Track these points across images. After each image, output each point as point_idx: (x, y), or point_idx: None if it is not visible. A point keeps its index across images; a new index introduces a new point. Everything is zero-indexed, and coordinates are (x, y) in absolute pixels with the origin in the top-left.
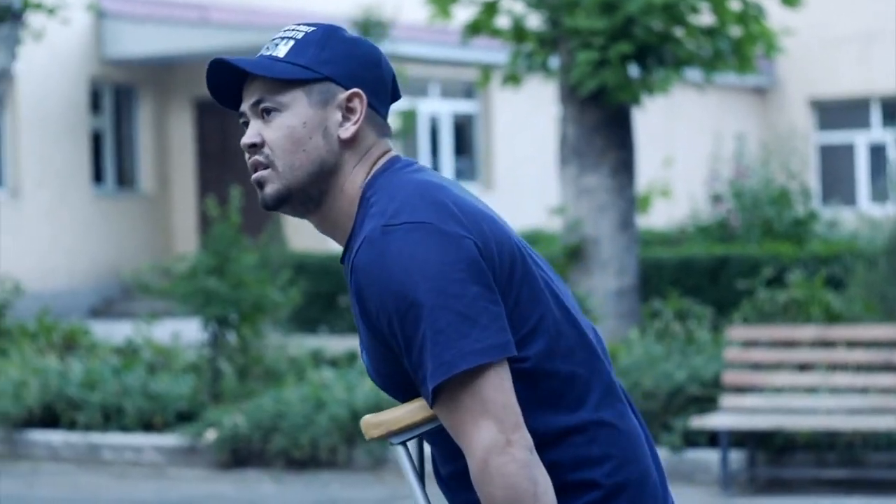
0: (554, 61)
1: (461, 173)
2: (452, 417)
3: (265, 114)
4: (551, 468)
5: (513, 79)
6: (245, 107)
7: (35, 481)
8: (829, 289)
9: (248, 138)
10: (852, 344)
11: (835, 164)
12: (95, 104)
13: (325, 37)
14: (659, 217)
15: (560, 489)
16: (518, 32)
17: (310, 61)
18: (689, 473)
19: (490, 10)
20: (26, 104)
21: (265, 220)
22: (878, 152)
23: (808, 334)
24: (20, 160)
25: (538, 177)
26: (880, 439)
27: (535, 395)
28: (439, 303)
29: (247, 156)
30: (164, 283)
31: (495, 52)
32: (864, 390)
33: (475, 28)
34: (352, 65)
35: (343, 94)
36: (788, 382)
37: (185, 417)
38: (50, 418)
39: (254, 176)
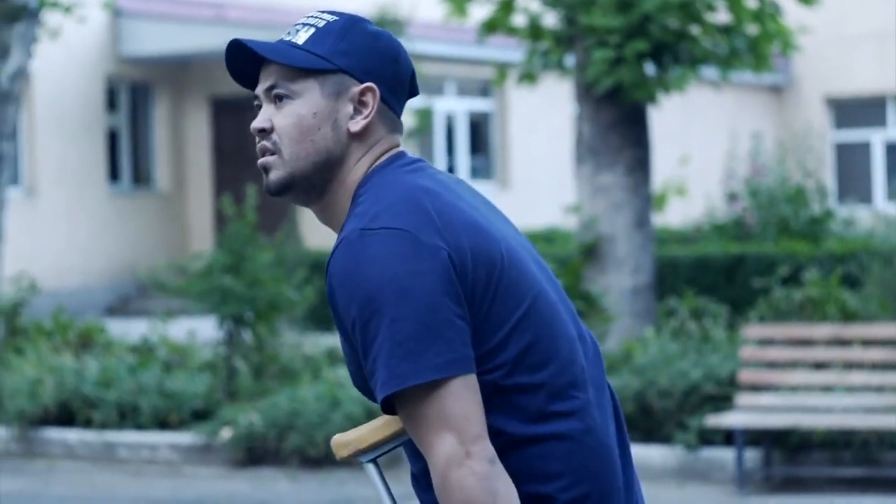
0: (570, 59)
1: (477, 172)
2: (414, 428)
3: (277, 100)
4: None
5: (528, 77)
6: (259, 90)
7: (51, 479)
8: (844, 287)
9: (257, 123)
10: (868, 342)
11: (851, 163)
12: (111, 102)
13: (345, 28)
14: (675, 215)
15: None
16: (534, 31)
17: (327, 51)
18: (705, 472)
19: (506, 8)
20: (42, 103)
21: (281, 219)
22: (894, 150)
23: (824, 333)
24: (36, 158)
25: (554, 175)
26: None
27: (496, 403)
28: (404, 313)
29: (256, 140)
30: (179, 282)
31: (511, 51)
32: (879, 389)
33: (491, 26)
34: (369, 59)
35: (357, 88)
36: (804, 381)
37: (200, 416)
38: (65, 416)
39: (260, 161)
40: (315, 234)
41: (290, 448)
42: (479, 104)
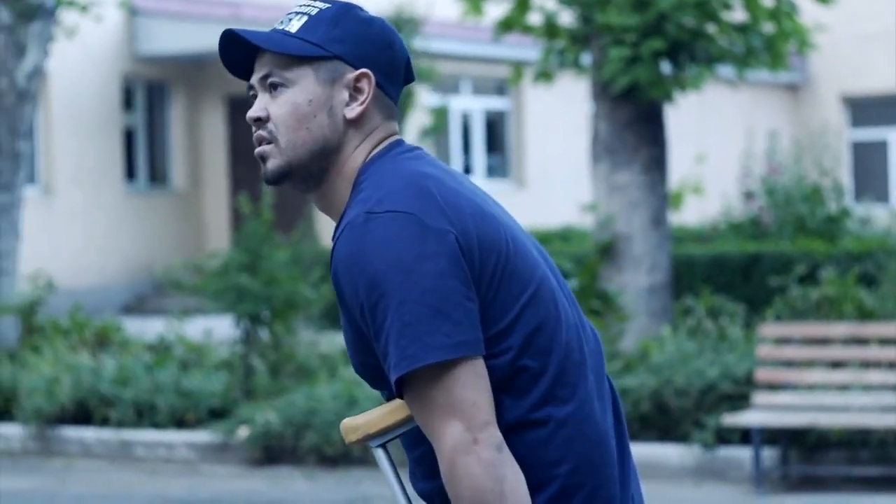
0: (586, 58)
1: (492, 170)
2: (421, 413)
3: (272, 88)
4: None
5: (545, 75)
6: (254, 79)
7: (68, 478)
8: (861, 286)
9: (253, 112)
10: (885, 341)
11: (867, 161)
12: (128, 101)
13: (338, 15)
14: (691, 214)
15: None
16: (550, 29)
17: (321, 39)
18: (722, 471)
19: (522, 6)
20: (59, 102)
21: (297, 217)
22: None
23: (841, 331)
24: (53, 157)
25: (570, 173)
26: None
27: (501, 387)
28: (412, 295)
29: (253, 129)
30: (196, 280)
31: (527, 49)
32: None
33: (507, 25)
34: (363, 45)
35: (352, 74)
36: (821, 380)
37: (217, 414)
38: (82, 415)
39: (257, 150)
40: (331, 232)
41: (307, 447)
42: (495, 103)
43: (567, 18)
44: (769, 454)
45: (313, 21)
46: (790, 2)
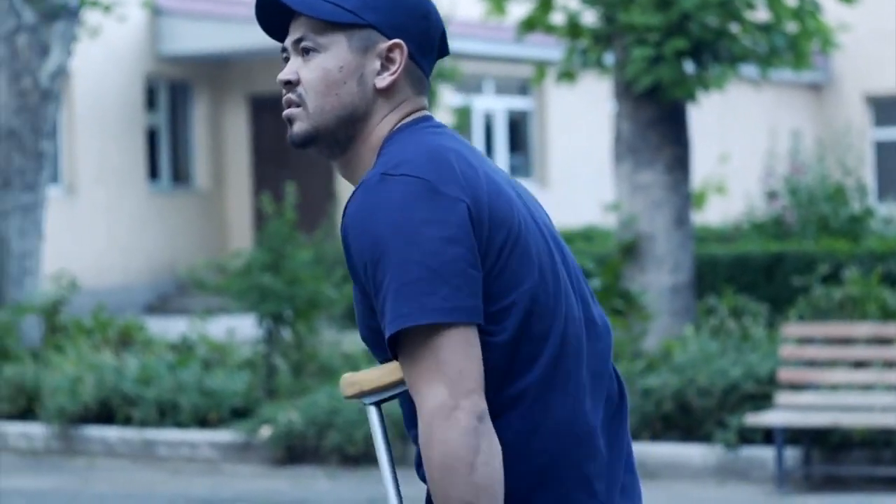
0: (609, 58)
1: (515, 170)
2: (410, 372)
3: (305, 53)
4: None
5: (567, 75)
6: (288, 42)
7: (90, 477)
8: (885, 286)
9: (284, 75)
10: None
11: (891, 161)
12: (151, 101)
13: None
14: (714, 214)
15: None
16: (573, 29)
17: (355, 6)
18: (745, 471)
19: (545, 6)
20: (82, 101)
21: (320, 217)
22: None
23: (864, 331)
24: (76, 157)
25: (593, 173)
26: None
27: (493, 367)
28: (414, 256)
29: (283, 92)
30: (219, 280)
31: (550, 49)
32: None
33: (530, 24)
34: (398, 14)
35: (384, 44)
36: (844, 379)
37: (239, 414)
38: (105, 414)
39: (285, 112)
40: None
41: (330, 446)
42: (518, 102)
43: (590, 18)
44: (792, 454)
45: None
46: (814, 1)
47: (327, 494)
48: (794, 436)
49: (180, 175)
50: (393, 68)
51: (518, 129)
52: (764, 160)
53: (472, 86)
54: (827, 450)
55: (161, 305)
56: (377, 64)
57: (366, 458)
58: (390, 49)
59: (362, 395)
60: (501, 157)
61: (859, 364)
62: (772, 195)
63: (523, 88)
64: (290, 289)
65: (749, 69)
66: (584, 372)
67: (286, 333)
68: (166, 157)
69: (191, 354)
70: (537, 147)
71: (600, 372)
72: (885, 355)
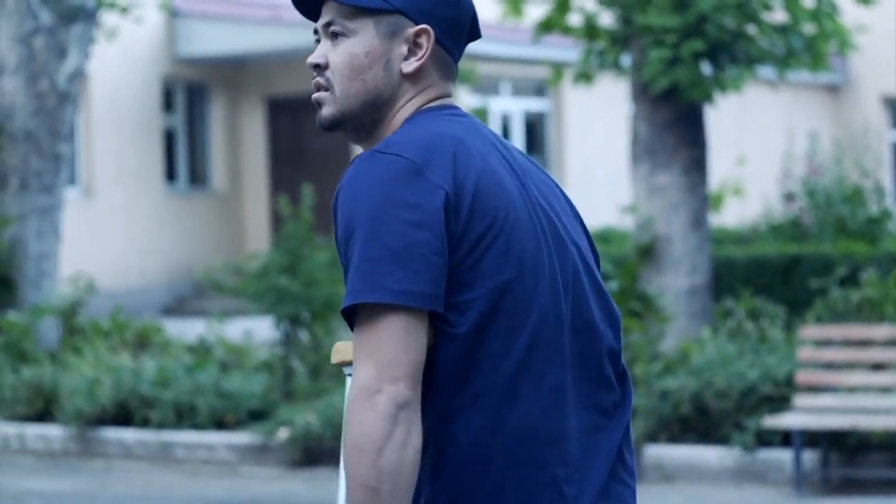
0: (626, 59)
1: None
2: (354, 347)
3: (334, 37)
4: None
5: (584, 77)
6: (318, 25)
7: (108, 479)
8: None
9: (313, 58)
10: None
11: None
12: (168, 103)
13: None
14: (731, 215)
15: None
16: (590, 30)
17: None
18: (762, 473)
19: (562, 7)
20: (100, 103)
21: None
22: None
23: (882, 333)
24: (94, 159)
25: (610, 175)
26: None
27: (457, 360)
28: (379, 235)
29: (312, 75)
30: (236, 282)
31: (567, 50)
32: None
33: (547, 26)
34: (425, 0)
35: (412, 29)
36: (862, 382)
37: (257, 416)
38: (123, 416)
39: (314, 96)
40: None
41: None
42: (535, 104)
43: (607, 19)
44: (810, 457)
45: None
46: (831, 2)
47: None
48: (812, 438)
49: (197, 177)
50: (420, 53)
51: (535, 130)
52: (781, 162)
53: (488, 87)
54: (845, 452)
55: (178, 307)
56: (404, 49)
57: None
58: (417, 34)
59: (343, 364)
60: None
61: (877, 366)
62: (789, 197)
63: (540, 90)
64: (307, 291)
65: (766, 70)
66: (565, 375)
67: (303, 335)
68: (183, 159)
69: (208, 356)
70: (554, 149)
71: (590, 376)
72: None
